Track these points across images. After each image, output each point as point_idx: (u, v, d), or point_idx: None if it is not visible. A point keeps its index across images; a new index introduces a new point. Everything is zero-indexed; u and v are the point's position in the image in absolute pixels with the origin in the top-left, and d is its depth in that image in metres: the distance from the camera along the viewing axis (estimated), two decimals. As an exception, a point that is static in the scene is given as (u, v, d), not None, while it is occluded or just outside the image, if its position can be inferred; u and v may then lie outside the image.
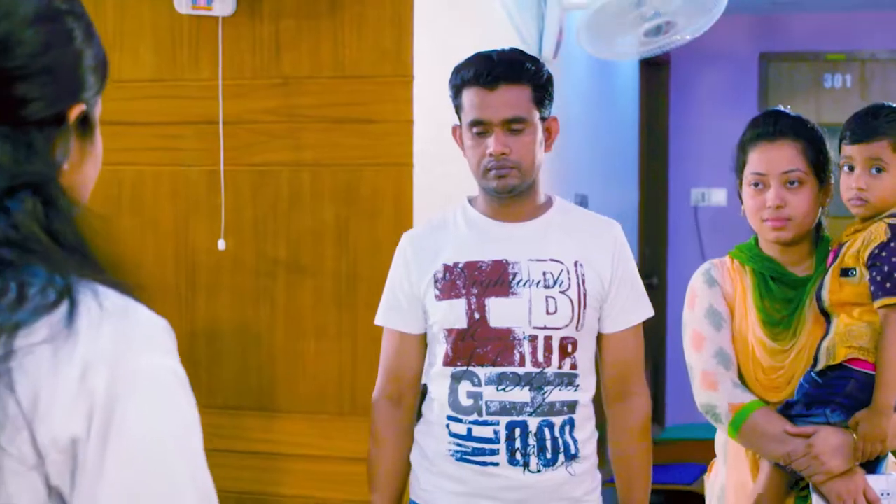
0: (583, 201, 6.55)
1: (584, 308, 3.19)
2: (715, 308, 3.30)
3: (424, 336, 3.32)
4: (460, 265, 3.22)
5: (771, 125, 3.26)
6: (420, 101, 4.15)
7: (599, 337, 3.29)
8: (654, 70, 8.98)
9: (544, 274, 3.18)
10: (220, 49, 4.29)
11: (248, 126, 4.31)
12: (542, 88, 3.19)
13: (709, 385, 3.24)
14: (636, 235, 8.40)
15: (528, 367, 3.15)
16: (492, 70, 3.15)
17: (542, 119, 3.21)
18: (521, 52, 3.25)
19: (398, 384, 3.36)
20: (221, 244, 4.28)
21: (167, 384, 1.37)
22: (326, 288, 4.25)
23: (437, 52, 4.31)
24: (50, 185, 1.37)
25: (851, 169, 3.17)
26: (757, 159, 3.25)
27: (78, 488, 1.28)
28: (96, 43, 1.50)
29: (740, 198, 3.34)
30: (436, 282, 3.23)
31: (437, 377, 3.26)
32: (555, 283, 3.18)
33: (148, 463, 1.32)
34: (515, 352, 3.15)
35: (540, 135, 3.20)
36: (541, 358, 3.16)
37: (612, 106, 7.70)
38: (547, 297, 3.17)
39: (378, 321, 3.38)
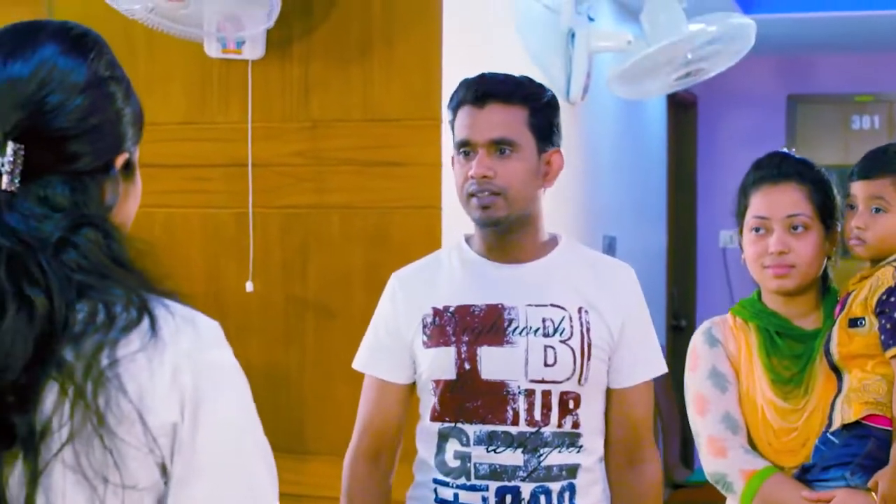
0: (611, 243, 6.54)
1: (588, 359, 2.86)
2: (718, 369, 3.08)
3: (410, 387, 3.00)
4: (451, 309, 2.89)
5: (775, 167, 3.10)
6: (449, 145, 4.14)
7: (607, 393, 2.96)
8: (682, 111, 8.98)
9: (544, 321, 2.86)
10: (250, 92, 4.31)
11: (277, 169, 4.33)
12: (540, 113, 2.89)
13: (717, 452, 3.01)
14: (664, 277, 8.38)
15: (522, 427, 2.82)
16: (482, 87, 2.89)
17: (542, 149, 2.90)
18: (526, 77, 2.98)
19: (376, 440, 3.02)
20: (249, 286, 4.30)
21: (232, 371, 1.70)
22: (355, 330, 4.23)
23: (465, 94, 4.31)
24: (105, 221, 1.66)
25: (853, 208, 3.06)
26: (759, 203, 3.07)
27: (177, 461, 1.60)
28: (134, 100, 1.79)
29: (741, 246, 3.15)
30: (424, 327, 2.92)
31: (424, 434, 2.96)
32: (555, 331, 2.85)
33: (229, 433, 1.65)
34: (508, 408, 2.82)
35: (534, 164, 2.87)
36: (537, 415, 2.83)
37: (640, 147, 7.70)
38: (546, 347, 2.84)
39: (357, 365, 3.07)
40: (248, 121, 4.31)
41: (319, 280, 4.30)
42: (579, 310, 2.89)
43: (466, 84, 2.92)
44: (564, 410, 2.85)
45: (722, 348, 3.11)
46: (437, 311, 2.91)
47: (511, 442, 2.83)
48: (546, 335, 2.85)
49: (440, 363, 2.87)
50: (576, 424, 2.87)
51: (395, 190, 4.19)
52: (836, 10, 7.65)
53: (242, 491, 1.65)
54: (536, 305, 2.88)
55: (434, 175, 4.14)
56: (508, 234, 2.91)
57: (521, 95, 2.88)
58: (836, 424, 2.91)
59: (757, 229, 3.07)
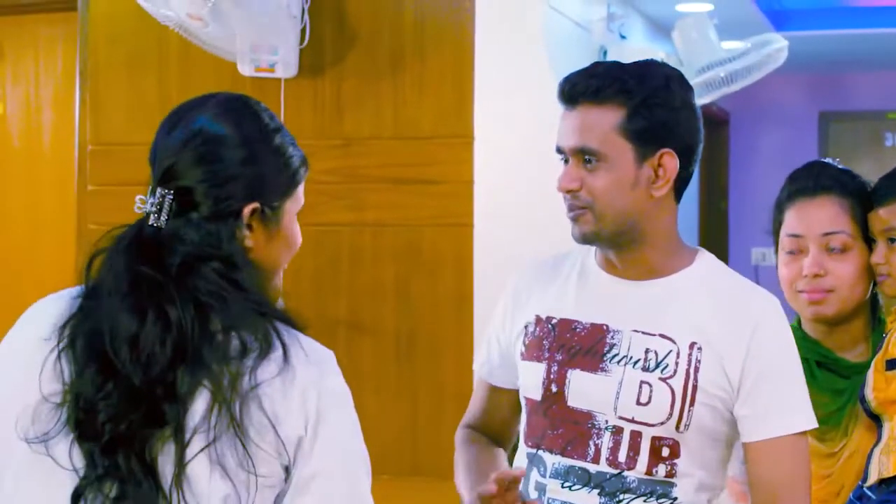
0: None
1: (691, 405, 2.41)
2: None
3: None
4: (554, 321, 2.54)
5: (811, 179, 2.73)
6: (480, 162, 4.16)
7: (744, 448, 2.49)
8: (714, 129, 8.97)
9: (647, 352, 2.45)
10: (283, 110, 4.32)
11: (309, 186, 4.28)
12: (641, 113, 2.43)
13: (738, 496, 2.65)
14: (696, 295, 8.35)
15: (603, 466, 2.44)
16: (571, 83, 2.48)
17: (644, 155, 2.44)
18: (641, 66, 2.51)
19: (485, 423, 2.76)
20: (280, 303, 4.29)
21: (344, 396, 2.04)
22: (387, 347, 4.26)
23: (497, 112, 4.32)
24: (235, 256, 2.00)
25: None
26: (793, 219, 2.70)
27: (298, 464, 1.95)
28: (273, 160, 2.10)
29: (777, 267, 2.80)
30: (525, 336, 2.59)
31: (519, 455, 2.63)
32: (657, 365, 2.43)
33: (340, 445, 2.00)
34: (590, 443, 2.46)
35: (630, 174, 2.43)
36: (621, 457, 2.43)
37: (671, 165, 7.68)
38: (641, 383, 2.43)
39: (474, 366, 2.81)
40: (281, 138, 4.32)
41: (351, 297, 4.30)
42: (691, 345, 2.44)
43: (563, 79, 2.53)
44: (656, 457, 2.43)
45: None
46: (539, 321, 2.58)
47: (588, 481, 2.46)
48: (645, 369, 2.44)
49: (530, 379, 2.55)
50: (670, 474, 2.43)
51: (428, 207, 4.19)
52: (868, 27, 7.63)
53: (347, 491, 1.99)
54: (644, 333, 2.47)
55: (466, 192, 4.14)
56: (616, 249, 2.52)
57: (613, 92, 2.44)
58: (873, 478, 2.52)
59: (790, 250, 2.71)
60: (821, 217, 2.67)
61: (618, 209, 2.44)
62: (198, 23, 4.01)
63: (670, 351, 2.43)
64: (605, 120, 2.42)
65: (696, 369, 2.42)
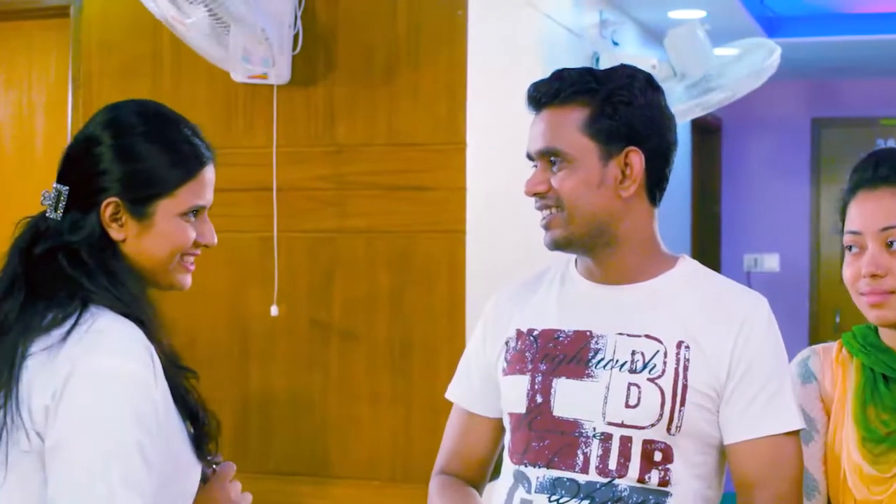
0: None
1: (682, 405, 2.34)
2: (807, 412, 2.47)
3: (500, 421, 2.59)
4: (535, 333, 2.48)
5: (871, 169, 2.44)
6: (473, 169, 4.16)
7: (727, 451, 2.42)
8: (707, 135, 8.97)
9: (633, 354, 2.38)
10: (275, 117, 4.32)
11: (302, 193, 4.34)
12: (605, 111, 2.40)
13: None
14: (689, 301, 8.35)
15: (592, 475, 2.35)
16: (535, 90, 2.49)
17: (610, 153, 2.41)
18: (609, 68, 2.51)
19: (461, 462, 2.64)
20: (274, 310, 4.30)
21: (109, 377, 2.04)
22: (380, 354, 4.26)
23: (490, 119, 4.33)
24: (86, 248, 2.16)
25: (850, 249, 2.46)
26: (853, 214, 2.42)
27: (48, 434, 2.03)
28: (128, 161, 2.20)
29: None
30: (507, 352, 2.53)
31: (504, 475, 2.52)
32: (644, 366, 2.36)
33: (85, 417, 2.03)
34: (579, 452, 2.36)
35: (595, 173, 2.40)
36: (612, 464, 2.34)
37: (664, 172, 7.69)
38: (630, 385, 2.36)
39: (447, 394, 2.70)
40: (274, 145, 4.32)
41: (344, 304, 4.30)
42: (678, 344, 2.38)
43: (530, 85, 2.53)
44: (648, 462, 2.34)
45: (817, 385, 2.51)
46: (520, 335, 2.51)
47: (577, 492, 2.35)
48: (633, 371, 2.37)
49: (514, 393, 2.46)
50: (664, 482, 2.34)
51: (420, 214, 4.20)
52: (860, 34, 7.64)
53: (86, 462, 2.01)
54: (629, 335, 2.40)
55: (459, 199, 4.15)
56: (592, 254, 2.47)
57: (575, 92, 2.43)
58: None
59: (850, 247, 2.44)
60: (879, 211, 2.39)
61: (586, 210, 2.40)
62: (178, 21, 4.00)
63: (657, 351, 2.37)
64: (569, 120, 2.41)
65: (686, 368, 2.36)
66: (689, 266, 2.51)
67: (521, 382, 2.44)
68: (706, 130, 8.86)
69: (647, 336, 2.39)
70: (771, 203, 9.20)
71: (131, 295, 2.17)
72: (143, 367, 2.08)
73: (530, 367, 2.45)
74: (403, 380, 4.22)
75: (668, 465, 2.35)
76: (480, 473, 2.65)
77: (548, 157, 2.43)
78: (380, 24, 4.26)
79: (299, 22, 4.26)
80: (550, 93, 2.45)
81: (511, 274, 3.71)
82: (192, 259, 2.33)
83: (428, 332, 4.13)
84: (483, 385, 2.58)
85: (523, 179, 2.47)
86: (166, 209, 2.22)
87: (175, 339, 4.32)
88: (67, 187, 2.20)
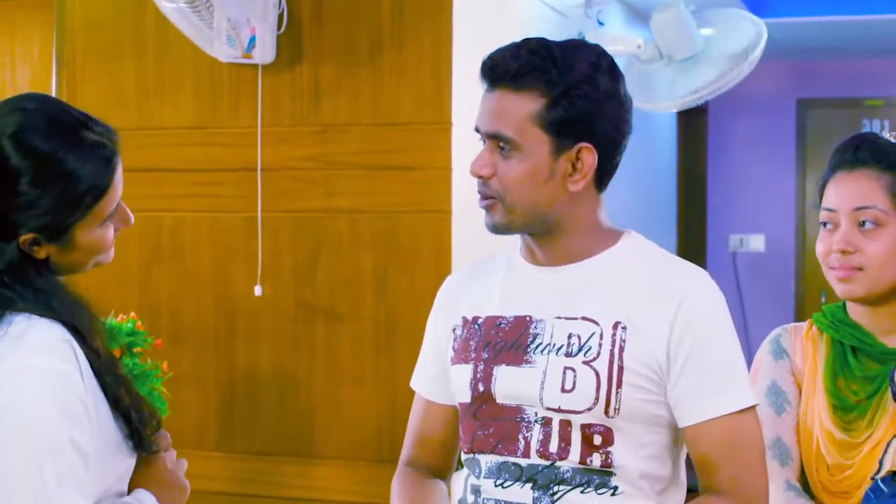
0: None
1: (619, 387, 2.28)
2: (779, 386, 2.59)
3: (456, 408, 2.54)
4: (480, 320, 2.43)
5: (850, 151, 2.57)
6: (459, 148, 4.15)
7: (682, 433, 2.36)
8: (692, 117, 8.96)
9: (569, 337, 2.33)
10: (260, 96, 4.31)
11: (286, 173, 4.33)
12: (561, 103, 2.29)
13: None
14: (674, 282, 8.37)
15: (534, 459, 2.32)
16: (491, 64, 2.38)
17: (561, 147, 2.30)
18: (566, 48, 2.35)
19: (424, 450, 2.61)
20: (258, 290, 4.30)
21: (33, 375, 2.01)
22: (365, 335, 4.25)
23: (475, 98, 4.31)
24: (8, 273, 2.10)
25: (825, 225, 2.59)
26: (831, 193, 2.55)
27: None
28: (58, 186, 2.09)
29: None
30: (454, 340, 2.48)
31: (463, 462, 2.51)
32: (579, 349, 2.31)
33: (6, 423, 1.98)
34: (520, 437, 2.34)
35: (544, 166, 2.31)
36: (552, 447, 2.31)
37: (650, 153, 7.69)
38: (565, 369, 2.31)
39: (410, 382, 2.70)
40: (258, 125, 4.31)
41: (328, 284, 4.29)
42: (615, 325, 2.31)
43: (487, 56, 2.41)
44: (589, 445, 2.30)
45: (788, 361, 2.63)
46: (466, 322, 2.46)
47: (519, 475, 2.33)
48: (568, 354, 2.31)
49: (459, 383, 2.43)
50: (607, 464, 2.29)
51: (405, 194, 4.19)
52: (845, 14, 7.64)
53: (10, 475, 1.97)
54: (566, 318, 2.34)
55: (444, 179, 4.14)
56: (533, 238, 2.41)
57: (533, 79, 2.31)
58: (886, 469, 2.43)
59: (825, 223, 2.57)
60: (854, 191, 2.52)
61: (529, 202, 2.32)
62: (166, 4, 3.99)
63: (593, 333, 2.30)
64: (523, 107, 2.30)
65: (622, 349, 2.28)
66: (630, 242, 2.42)
67: (466, 371, 2.40)
68: (691, 112, 8.83)
69: (584, 318, 2.32)
70: (756, 184, 9.20)
71: (63, 303, 2.11)
72: (64, 363, 2.04)
73: (473, 355, 2.40)
74: (388, 360, 4.22)
75: (609, 448, 2.29)
76: (445, 461, 2.60)
77: (496, 140, 2.32)
78: (364, 2, 4.25)
79: (284, 1, 4.24)
80: (507, 74, 2.33)
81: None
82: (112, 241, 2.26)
83: (413, 312, 4.13)
84: (438, 373, 2.53)
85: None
86: (85, 227, 2.15)
87: (160, 319, 4.33)
88: None
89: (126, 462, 2.17)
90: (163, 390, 3.72)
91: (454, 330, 2.48)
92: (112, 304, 4.04)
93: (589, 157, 2.31)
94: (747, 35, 5.30)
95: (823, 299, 8.74)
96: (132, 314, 3.76)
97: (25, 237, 2.10)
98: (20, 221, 2.09)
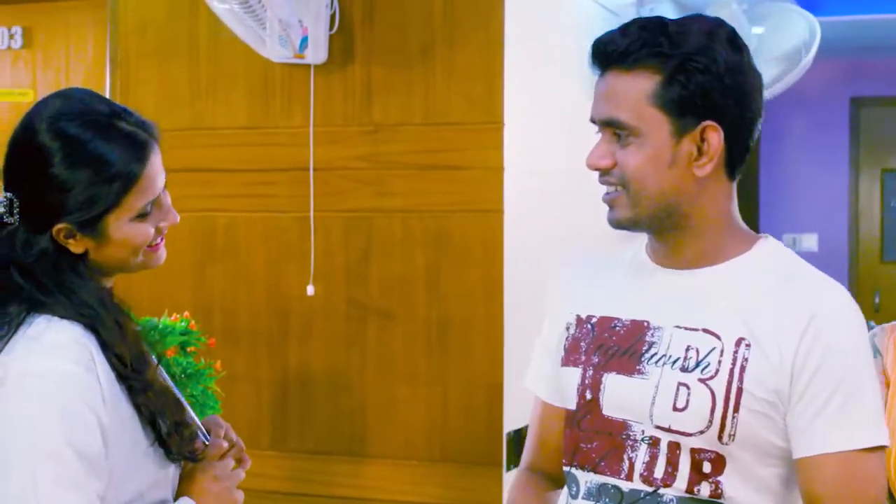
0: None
1: (735, 411, 2.07)
2: None
3: None
4: (594, 320, 2.26)
5: None
6: (510, 148, 4.15)
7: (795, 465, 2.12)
8: (744, 115, 8.93)
9: (687, 350, 2.12)
10: (312, 96, 4.32)
11: (338, 173, 4.34)
12: (679, 79, 2.10)
13: None
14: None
15: (636, 483, 2.13)
16: (600, 47, 2.17)
17: (684, 128, 2.12)
18: (681, 24, 2.15)
19: (542, 454, 2.42)
20: (310, 289, 4.31)
21: (36, 380, 2.03)
22: (417, 334, 4.26)
23: (527, 98, 4.32)
24: (38, 267, 2.12)
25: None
26: None
27: None
28: (89, 173, 2.12)
29: None
30: (565, 339, 2.31)
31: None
32: (696, 365, 2.10)
33: (11, 417, 2.02)
34: (624, 457, 2.15)
35: (666, 150, 2.12)
36: (658, 472, 2.11)
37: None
38: (679, 385, 2.10)
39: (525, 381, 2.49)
40: (311, 125, 4.33)
41: (380, 283, 4.30)
42: (738, 341, 2.10)
43: (595, 39, 2.20)
44: (698, 473, 2.09)
45: (881, 360, 2.51)
46: (579, 321, 2.29)
47: (620, 500, 2.14)
48: (684, 369, 2.11)
49: (567, 387, 2.26)
50: (716, 494, 2.09)
51: (457, 194, 4.19)
52: (899, 12, 7.59)
53: (18, 456, 2.00)
54: (686, 328, 2.14)
55: (496, 178, 4.14)
56: (660, 236, 2.22)
57: (645, 55, 2.11)
58: None
59: None
60: None
61: (654, 190, 2.12)
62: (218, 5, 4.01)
63: (713, 348, 2.10)
64: (636, 88, 2.11)
65: (742, 369, 2.07)
66: (766, 248, 2.21)
67: (574, 375, 2.23)
68: (744, 110, 8.82)
69: (705, 330, 2.12)
70: (809, 183, 9.16)
71: (87, 304, 2.12)
72: (76, 365, 2.05)
73: (583, 358, 2.23)
74: (440, 359, 4.22)
75: (719, 477, 2.09)
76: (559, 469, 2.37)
77: (612, 128, 2.14)
78: (416, 2, 4.26)
79: (336, 2, 4.25)
80: (616, 53, 2.13)
81: (550, 254, 3.71)
82: (159, 240, 2.26)
83: (465, 311, 4.13)
84: (552, 373, 2.34)
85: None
86: (117, 219, 2.16)
87: (213, 318, 4.35)
88: (17, 195, 2.16)
89: (160, 470, 2.15)
90: (216, 389, 3.74)
91: (567, 328, 2.31)
92: (166, 303, 4.07)
93: (714, 136, 2.12)
94: (800, 33, 5.26)
95: (877, 299, 8.69)
96: (185, 313, 3.79)
97: (59, 227, 2.13)
98: (53, 209, 2.13)
